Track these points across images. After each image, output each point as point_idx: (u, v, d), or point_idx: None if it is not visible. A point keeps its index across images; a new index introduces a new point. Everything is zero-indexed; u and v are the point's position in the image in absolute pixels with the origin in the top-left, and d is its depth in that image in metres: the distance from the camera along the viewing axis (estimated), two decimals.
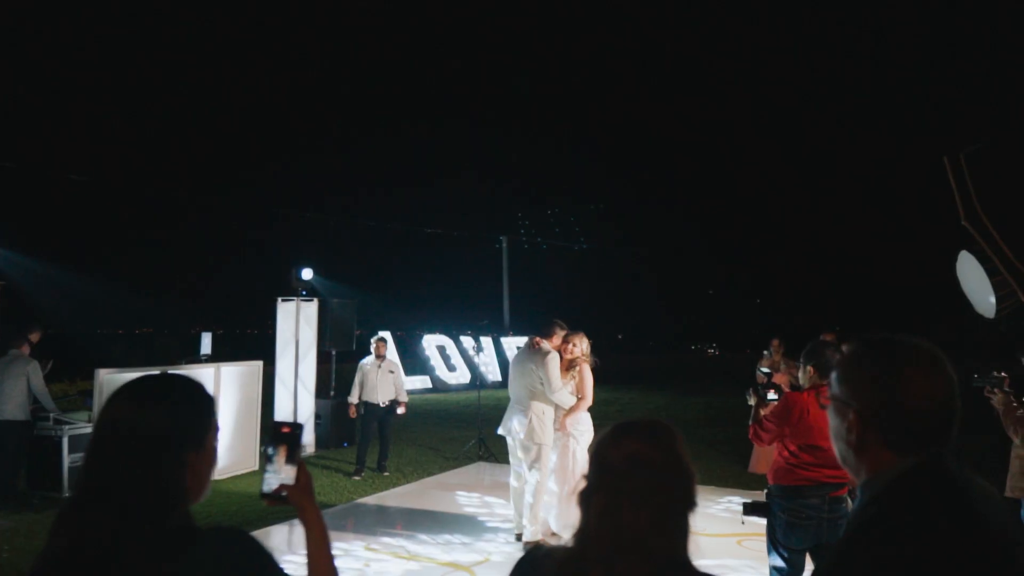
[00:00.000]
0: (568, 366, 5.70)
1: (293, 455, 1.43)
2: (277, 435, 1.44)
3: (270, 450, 1.43)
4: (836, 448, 1.31)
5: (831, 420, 1.31)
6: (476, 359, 17.42)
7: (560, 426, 5.69)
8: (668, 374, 25.27)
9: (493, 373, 19.34)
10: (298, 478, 1.42)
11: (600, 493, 1.21)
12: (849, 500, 3.60)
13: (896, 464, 1.19)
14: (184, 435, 1.29)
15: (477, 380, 15.11)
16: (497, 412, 13.79)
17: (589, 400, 5.78)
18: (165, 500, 1.24)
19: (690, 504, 1.23)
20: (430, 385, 18.38)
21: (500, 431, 5.88)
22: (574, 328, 5.91)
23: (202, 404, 1.35)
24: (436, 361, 18.90)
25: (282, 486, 1.40)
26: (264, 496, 1.42)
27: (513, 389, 5.75)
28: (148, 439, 1.25)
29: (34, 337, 9.79)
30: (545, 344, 5.66)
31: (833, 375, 1.30)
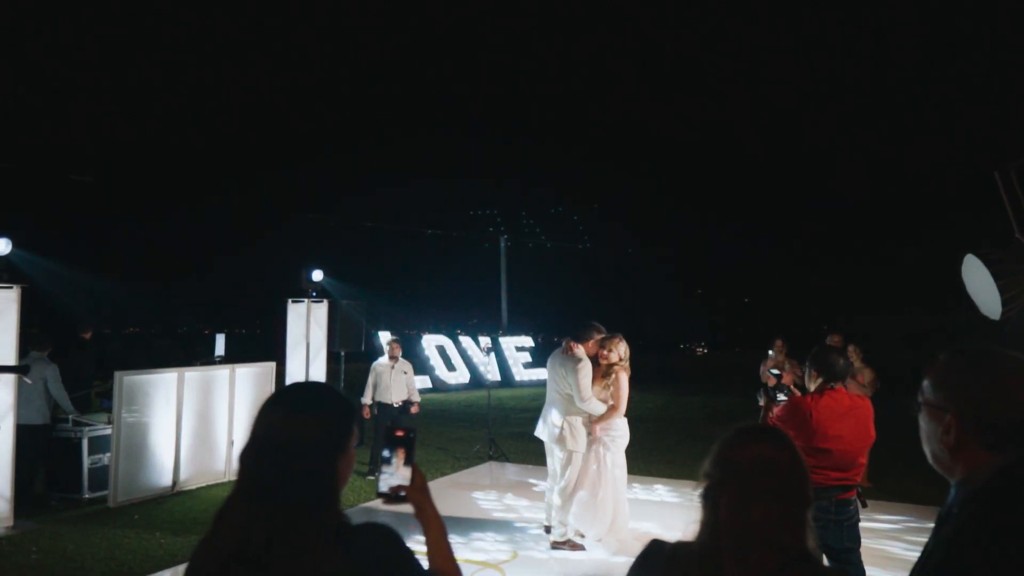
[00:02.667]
0: (604, 372, 5.48)
1: (410, 457, 1.52)
2: (393, 439, 1.52)
3: (386, 452, 1.51)
4: (928, 449, 1.43)
5: (924, 424, 1.43)
6: (485, 360, 17.46)
7: (591, 432, 5.47)
8: (661, 373, 25.10)
9: (493, 373, 19.40)
10: (413, 479, 1.51)
11: (728, 492, 1.32)
12: (857, 503, 3.67)
13: (991, 462, 1.32)
14: (333, 440, 1.39)
15: (485, 380, 15.19)
16: (501, 412, 13.86)
17: (622, 409, 5.49)
18: (320, 499, 1.35)
19: (808, 502, 1.35)
20: (430, 385, 18.42)
21: (537, 433, 5.74)
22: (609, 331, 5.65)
23: (347, 412, 1.46)
24: (436, 361, 18.96)
25: (400, 486, 1.50)
26: (381, 495, 1.51)
27: (548, 391, 5.62)
28: (304, 444, 1.35)
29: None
30: (579, 350, 5.41)
31: (925, 382, 1.43)
